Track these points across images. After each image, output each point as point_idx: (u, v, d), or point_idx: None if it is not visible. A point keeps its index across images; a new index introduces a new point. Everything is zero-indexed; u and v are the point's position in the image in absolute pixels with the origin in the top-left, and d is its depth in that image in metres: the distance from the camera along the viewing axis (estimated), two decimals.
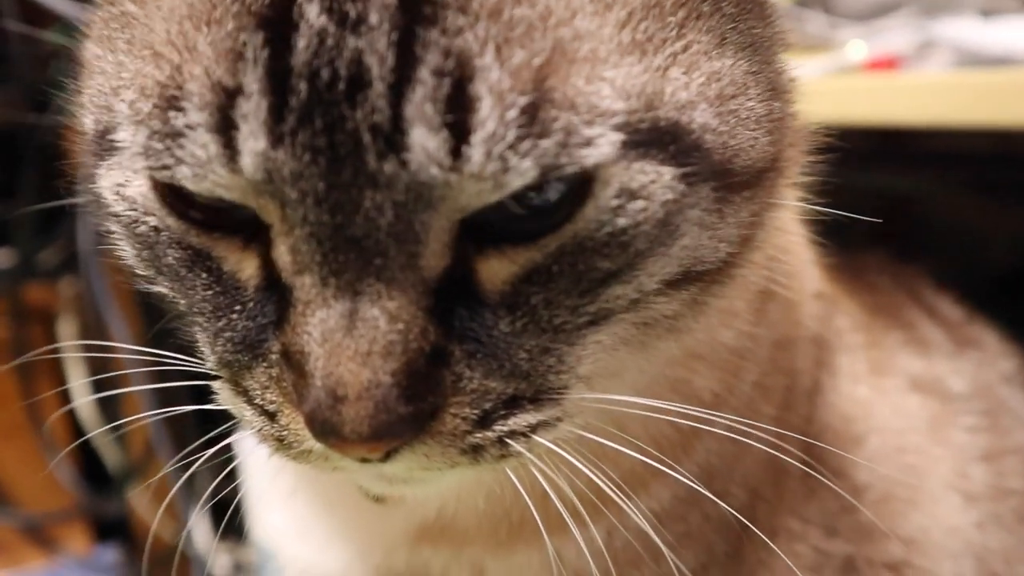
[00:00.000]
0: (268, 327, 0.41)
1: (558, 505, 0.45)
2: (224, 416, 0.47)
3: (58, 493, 1.66)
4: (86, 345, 1.46)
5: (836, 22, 1.01)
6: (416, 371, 0.38)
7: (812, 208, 0.53)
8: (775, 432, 0.55)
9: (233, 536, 1.35)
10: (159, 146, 0.37)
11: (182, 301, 0.45)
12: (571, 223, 0.39)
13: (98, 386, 1.54)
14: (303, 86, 0.35)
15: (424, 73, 0.35)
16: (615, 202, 0.39)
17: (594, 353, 0.43)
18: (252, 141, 0.36)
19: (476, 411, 0.40)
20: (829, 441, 0.61)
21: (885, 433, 0.66)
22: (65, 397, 1.63)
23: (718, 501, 0.54)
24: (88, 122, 0.44)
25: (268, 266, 0.41)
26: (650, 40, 0.40)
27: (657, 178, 0.39)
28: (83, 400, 1.37)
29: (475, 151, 0.35)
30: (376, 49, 0.35)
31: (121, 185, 0.43)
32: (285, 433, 0.42)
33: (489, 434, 0.41)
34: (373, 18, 0.35)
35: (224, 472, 0.55)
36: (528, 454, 0.42)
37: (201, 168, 0.37)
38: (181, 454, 0.50)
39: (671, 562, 0.52)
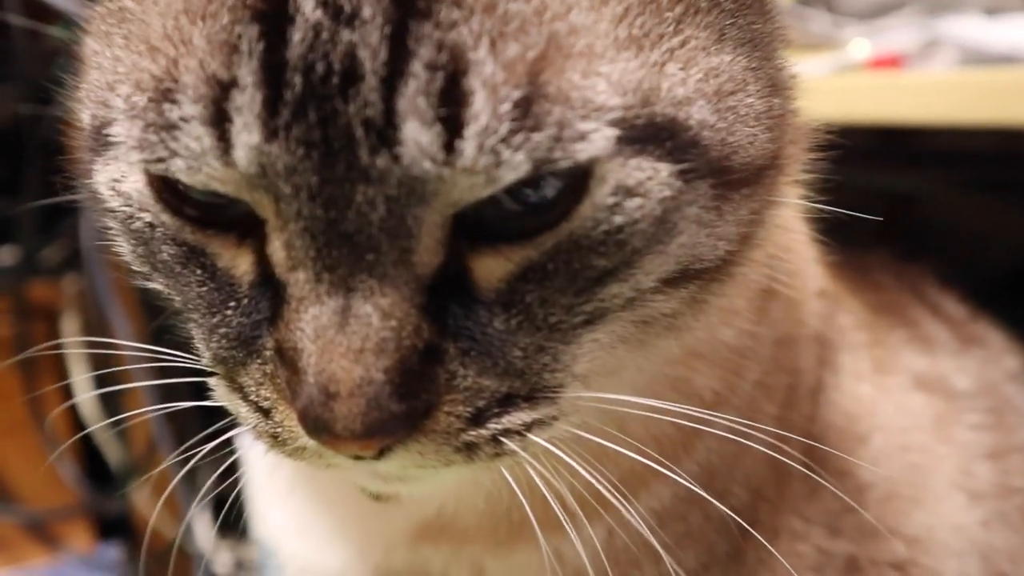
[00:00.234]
0: (262, 323, 0.41)
1: (556, 506, 0.45)
2: (226, 413, 0.47)
3: (61, 490, 1.66)
4: (89, 342, 1.46)
5: (839, 21, 1.01)
6: (409, 368, 0.38)
7: (814, 206, 0.53)
8: (777, 431, 0.55)
9: (235, 534, 1.36)
10: (154, 138, 0.37)
11: (177, 298, 0.45)
12: (567, 221, 0.39)
13: (101, 383, 1.54)
14: (298, 79, 0.35)
15: (417, 67, 0.35)
16: (612, 199, 0.38)
17: (591, 351, 0.43)
18: (246, 134, 0.36)
19: (470, 409, 0.40)
20: (832, 440, 0.61)
21: (889, 431, 0.66)
22: (68, 395, 1.63)
23: (716, 503, 0.54)
24: (85, 117, 0.44)
25: (263, 262, 0.41)
26: (647, 35, 0.39)
27: (654, 175, 0.39)
28: (85, 395, 1.37)
29: (468, 145, 0.35)
30: (369, 43, 0.35)
31: (117, 181, 0.43)
32: (279, 430, 0.42)
33: (483, 432, 0.41)
34: (366, 12, 0.35)
35: (226, 470, 0.55)
36: (523, 453, 0.42)
37: (195, 161, 0.37)
38: (182, 448, 0.50)
39: (671, 562, 0.52)
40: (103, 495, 1.66)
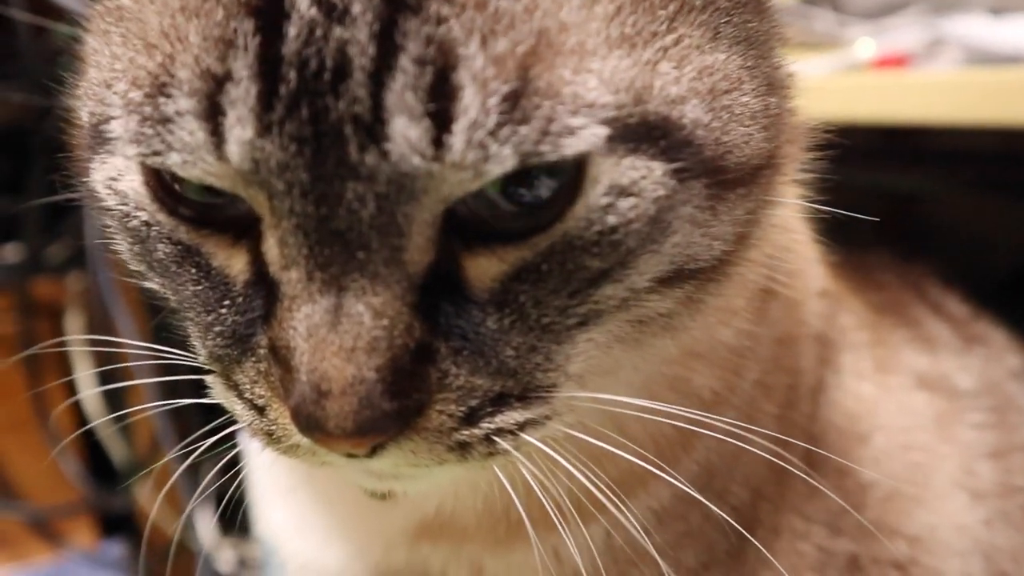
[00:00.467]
0: (256, 322, 0.41)
1: (553, 506, 0.45)
2: (228, 411, 0.47)
3: (64, 487, 1.67)
4: (93, 340, 1.47)
5: (845, 20, 1.01)
6: (401, 367, 0.38)
7: (815, 206, 0.52)
8: (777, 430, 0.55)
9: (238, 532, 1.36)
10: (150, 132, 0.38)
11: (172, 296, 0.45)
12: (561, 222, 0.39)
13: (105, 381, 1.54)
14: (293, 75, 0.35)
15: (405, 62, 0.35)
16: (606, 199, 0.38)
17: (585, 351, 0.43)
18: (239, 129, 0.36)
19: (462, 408, 0.40)
20: (833, 439, 0.61)
21: (891, 431, 0.65)
22: (72, 392, 1.63)
23: (711, 506, 0.54)
24: (84, 115, 0.44)
25: (257, 261, 0.41)
26: (639, 34, 0.39)
27: (648, 174, 0.38)
28: (89, 392, 1.37)
29: (456, 139, 0.35)
30: (358, 39, 0.35)
31: (113, 180, 0.43)
32: (274, 428, 0.42)
33: (476, 431, 0.41)
34: (356, 8, 0.35)
35: (229, 467, 0.55)
36: (515, 452, 0.42)
37: (191, 155, 0.37)
38: (184, 442, 0.50)
39: (671, 561, 0.52)
40: (107, 492, 1.66)
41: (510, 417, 0.41)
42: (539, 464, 0.43)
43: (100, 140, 0.42)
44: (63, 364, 1.62)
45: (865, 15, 1.01)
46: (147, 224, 0.43)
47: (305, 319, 0.38)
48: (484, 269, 0.40)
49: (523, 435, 0.42)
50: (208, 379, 0.45)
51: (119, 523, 1.71)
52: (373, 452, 0.40)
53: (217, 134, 0.36)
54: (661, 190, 0.39)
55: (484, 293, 0.40)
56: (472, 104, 0.35)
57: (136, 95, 0.38)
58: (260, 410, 0.42)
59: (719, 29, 0.43)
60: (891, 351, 0.71)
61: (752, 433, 0.48)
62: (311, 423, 0.38)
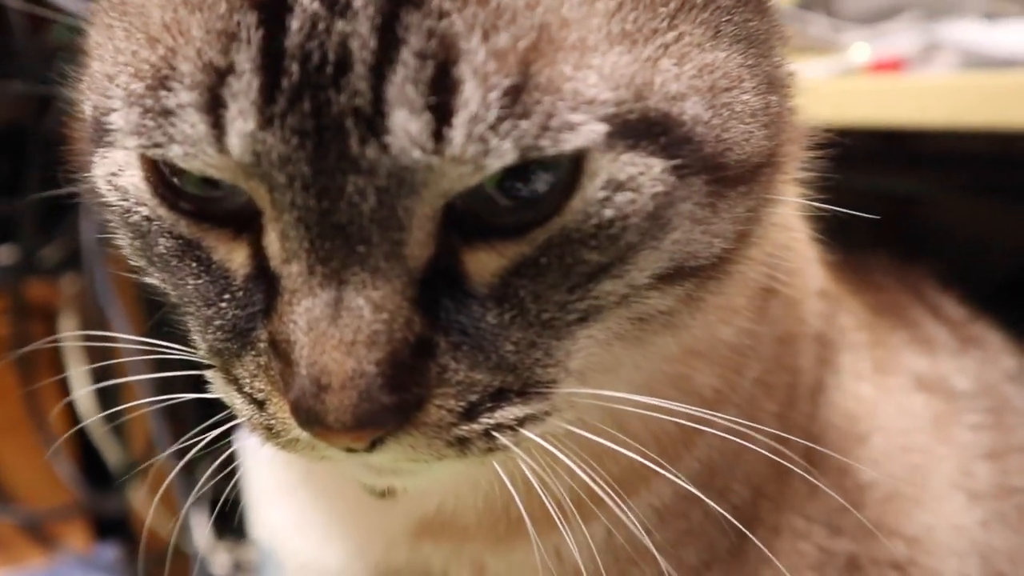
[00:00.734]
0: (257, 316, 0.41)
1: (553, 503, 0.45)
2: (225, 413, 0.47)
3: (59, 490, 1.66)
4: (86, 342, 1.46)
5: (839, 25, 1.01)
6: (401, 361, 0.38)
7: (814, 207, 0.53)
8: (778, 429, 0.55)
9: (233, 535, 1.36)
10: (151, 124, 0.38)
11: (173, 291, 0.45)
12: (559, 216, 0.39)
13: (99, 383, 1.54)
14: (295, 68, 0.35)
15: (406, 55, 0.35)
16: (603, 194, 0.38)
17: (586, 348, 0.43)
18: (240, 121, 0.36)
19: (462, 403, 0.40)
20: (832, 439, 0.61)
21: (889, 432, 0.66)
22: (66, 394, 1.62)
23: (712, 504, 0.53)
24: (87, 108, 0.44)
25: (258, 255, 0.41)
26: (640, 30, 0.40)
27: (646, 170, 0.39)
28: (83, 389, 1.37)
29: (456, 133, 0.35)
30: (360, 32, 0.35)
31: (114, 175, 0.44)
32: (273, 422, 0.42)
33: (475, 427, 0.41)
34: (358, 2, 0.36)
35: (225, 470, 0.55)
36: (515, 448, 0.42)
37: (192, 147, 0.37)
38: (181, 439, 0.50)
39: (672, 559, 0.52)
40: (101, 495, 1.65)
41: (509, 412, 0.41)
42: (540, 461, 0.43)
43: (102, 133, 0.42)
44: (57, 366, 1.62)
45: (860, 20, 1.02)
46: (148, 219, 0.43)
47: (305, 313, 0.38)
48: (484, 264, 0.40)
49: (523, 431, 0.42)
50: (208, 374, 0.45)
51: (113, 526, 1.71)
52: (372, 446, 0.40)
53: (218, 127, 0.36)
54: (660, 186, 0.39)
55: (484, 288, 0.40)
56: (473, 98, 0.35)
57: (138, 87, 0.38)
58: (260, 404, 0.42)
59: (720, 27, 0.43)
60: (890, 352, 0.72)
61: (753, 431, 0.48)
62: (311, 417, 0.38)
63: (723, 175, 0.42)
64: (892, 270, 0.86)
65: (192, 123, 0.37)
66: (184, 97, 0.37)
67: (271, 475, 0.66)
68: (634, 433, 0.51)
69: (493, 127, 0.35)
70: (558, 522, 0.45)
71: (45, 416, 1.63)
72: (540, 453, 0.43)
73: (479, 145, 0.35)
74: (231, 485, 0.57)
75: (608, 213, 0.39)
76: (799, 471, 0.55)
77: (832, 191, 0.53)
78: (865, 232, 0.66)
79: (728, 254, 0.45)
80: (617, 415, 0.48)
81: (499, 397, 0.41)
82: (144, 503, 1.48)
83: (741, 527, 0.51)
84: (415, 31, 0.35)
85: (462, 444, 0.41)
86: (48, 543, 1.69)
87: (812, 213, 0.59)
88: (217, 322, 0.42)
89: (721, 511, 0.50)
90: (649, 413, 0.45)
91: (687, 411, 0.46)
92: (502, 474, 0.43)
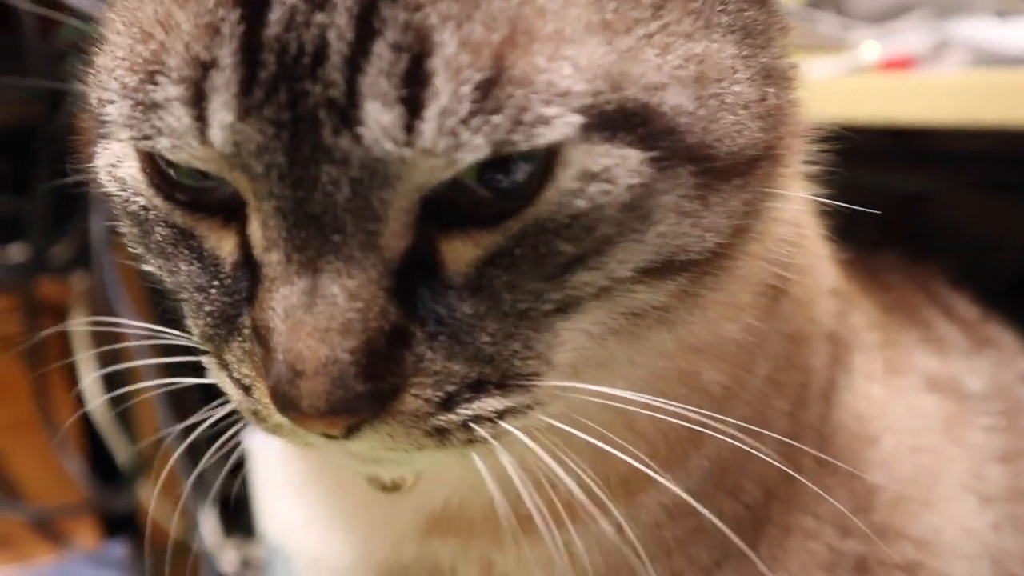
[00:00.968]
0: (242, 303, 0.42)
1: (562, 501, 0.45)
2: (234, 411, 0.47)
3: (68, 488, 1.67)
4: (96, 341, 1.47)
5: (849, 23, 1.01)
6: (376, 350, 0.38)
7: (823, 203, 0.52)
8: (789, 428, 0.55)
9: (242, 532, 1.36)
10: (141, 116, 0.39)
11: (168, 278, 0.46)
12: (533, 206, 0.39)
13: (109, 381, 1.54)
14: (271, 59, 0.36)
15: (381, 47, 0.35)
16: (576, 185, 0.38)
17: (571, 341, 0.43)
18: (221, 114, 0.37)
19: (439, 393, 0.40)
20: (843, 440, 0.61)
21: (900, 433, 0.65)
22: (76, 395, 1.63)
23: (724, 503, 0.53)
24: (92, 100, 0.45)
25: (245, 243, 0.42)
26: (621, 20, 0.39)
27: (621, 161, 0.38)
28: (91, 386, 1.37)
29: (427, 126, 0.35)
30: (337, 24, 0.36)
31: (113, 166, 0.45)
32: (259, 407, 0.43)
33: (453, 417, 0.41)
34: None
35: (233, 467, 0.55)
36: (493, 441, 0.42)
37: (178, 140, 0.38)
38: (188, 429, 0.50)
39: (683, 557, 0.52)
40: (109, 492, 1.66)
41: (488, 404, 0.41)
42: (547, 458, 0.43)
43: (102, 125, 0.43)
44: (67, 366, 1.62)
45: (870, 18, 1.02)
46: (145, 208, 0.44)
47: (283, 300, 0.38)
48: (460, 254, 0.40)
49: (502, 423, 0.42)
50: (204, 360, 0.46)
51: (122, 523, 1.71)
52: (350, 433, 0.40)
53: (202, 119, 0.37)
54: (636, 178, 0.39)
55: (460, 278, 0.40)
56: (444, 91, 0.35)
57: (131, 80, 0.39)
58: (247, 389, 0.43)
59: (711, 18, 0.42)
60: (901, 352, 0.71)
61: (765, 430, 0.48)
62: (286, 402, 0.39)
63: (712, 167, 0.41)
64: (902, 269, 0.85)
65: (178, 116, 0.38)
66: (171, 91, 0.38)
67: (279, 472, 0.66)
68: (642, 431, 0.50)
69: (464, 121, 0.35)
70: (566, 519, 0.45)
71: (54, 414, 1.64)
72: (548, 449, 0.43)
73: (450, 139, 0.35)
74: (239, 483, 0.57)
75: (582, 204, 0.38)
76: (810, 471, 0.55)
77: (841, 188, 0.53)
78: (874, 230, 0.66)
79: (724, 249, 0.44)
80: (626, 412, 0.48)
81: (478, 388, 0.41)
82: (153, 500, 1.49)
83: (753, 525, 0.51)
84: (391, 24, 0.35)
85: (441, 434, 0.41)
86: (57, 540, 1.70)
87: (821, 210, 0.59)
88: (207, 308, 0.43)
89: (734, 508, 0.50)
90: (653, 412, 0.45)
91: (684, 411, 0.45)
92: (512, 472, 0.43)
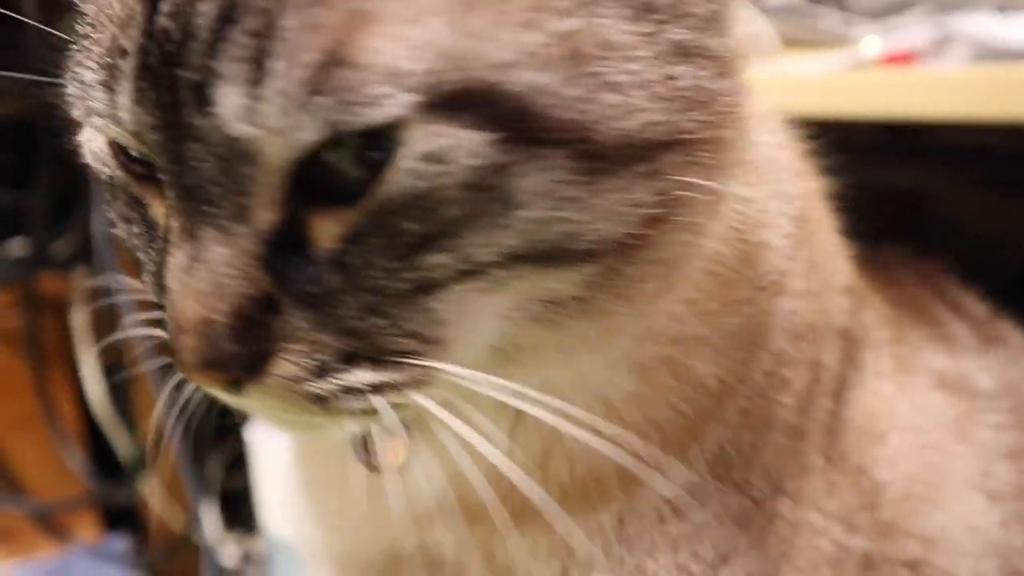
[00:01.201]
0: (164, 264, 0.45)
1: (558, 490, 0.45)
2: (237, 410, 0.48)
3: (69, 482, 1.67)
4: (98, 335, 1.47)
5: (850, 19, 1.01)
6: (247, 316, 0.41)
7: (830, 202, 0.52)
8: (796, 424, 0.55)
9: (243, 526, 1.36)
10: (81, 96, 0.43)
11: (127, 242, 0.50)
12: (380, 185, 0.39)
13: (110, 375, 1.55)
14: (156, 47, 0.39)
15: (236, 33, 0.38)
16: (415, 165, 0.38)
17: (456, 323, 0.43)
18: (122, 97, 0.41)
19: (310, 361, 0.42)
20: (852, 438, 0.61)
21: (908, 431, 0.65)
22: (77, 388, 1.63)
23: (730, 497, 0.53)
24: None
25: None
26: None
27: (459, 142, 0.38)
28: (93, 383, 1.38)
29: (267, 107, 0.37)
30: (206, 12, 0.38)
31: (89, 140, 0.49)
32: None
33: (325, 386, 0.43)
34: None
35: (234, 463, 0.55)
36: (384, 411, 0.44)
37: (101, 120, 0.42)
38: (190, 427, 0.51)
39: (689, 551, 0.52)
40: (111, 486, 1.66)
41: (359, 377, 0.43)
42: (541, 446, 0.42)
43: None
44: (68, 360, 1.63)
45: (871, 13, 1.01)
46: (111, 179, 0.48)
47: (175, 264, 0.42)
48: (327, 230, 0.41)
49: (375, 397, 0.43)
50: (156, 314, 0.49)
51: (123, 517, 1.72)
52: (236, 390, 0.43)
53: (114, 102, 0.41)
54: (477, 159, 0.38)
55: (326, 253, 0.41)
56: (281, 74, 0.37)
57: (77, 63, 0.44)
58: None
59: None
60: (911, 350, 0.71)
61: (767, 424, 0.48)
62: (174, 356, 0.42)
63: (591, 149, 0.40)
64: (910, 265, 0.85)
65: (99, 99, 0.42)
66: (94, 76, 0.42)
67: (280, 466, 0.66)
68: (631, 421, 0.50)
69: (301, 103, 0.37)
70: (573, 509, 0.45)
71: (56, 408, 1.64)
72: (542, 439, 0.43)
73: (287, 119, 0.37)
74: (241, 476, 0.57)
75: (420, 184, 0.39)
76: (817, 468, 0.55)
77: (842, 184, 0.53)
78: (875, 226, 0.66)
79: (637, 240, 0.43)
80: (605, 401, 0.48)
81: (350, 360, 0.43)
82: (154, 495, 1.49)
83: (761, 520, 0.51)
84: (250, 11, 0.37)
85: (322, 401, 0.43)
86: (58, 534, 1.70)
87: (833, 206, 0.58)
88: (150, 268, 0.47)
89: (740, 503, 0.49)
90: (644, 396, 0.45)
91: (564, 407, 0.45)
92: (504, 461, 0.44)
